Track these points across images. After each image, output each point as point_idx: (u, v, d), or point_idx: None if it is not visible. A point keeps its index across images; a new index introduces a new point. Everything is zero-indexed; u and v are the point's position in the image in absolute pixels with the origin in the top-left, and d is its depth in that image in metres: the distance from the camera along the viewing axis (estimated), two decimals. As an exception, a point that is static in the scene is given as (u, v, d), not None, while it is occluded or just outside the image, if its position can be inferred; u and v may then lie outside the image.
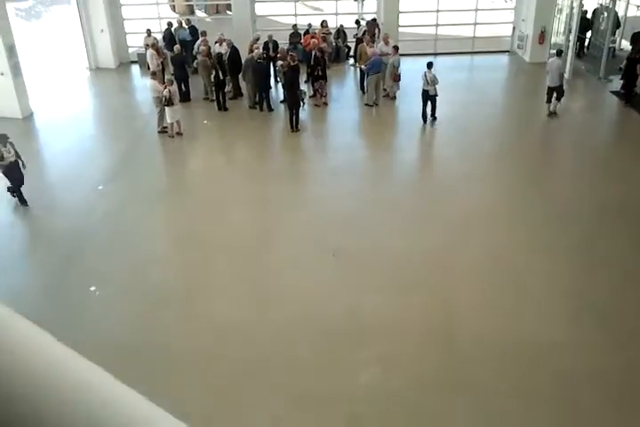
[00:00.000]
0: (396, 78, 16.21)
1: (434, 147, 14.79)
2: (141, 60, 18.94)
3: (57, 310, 8.47)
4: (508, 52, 20.89)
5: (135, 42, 19.72)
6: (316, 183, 12.60)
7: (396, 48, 16.11)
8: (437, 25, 20.45)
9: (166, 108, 14.13)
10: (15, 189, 11.35)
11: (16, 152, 11.19)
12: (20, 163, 11.24)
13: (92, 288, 9.03)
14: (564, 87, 15.18)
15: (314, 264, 9.47)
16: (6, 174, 11.27)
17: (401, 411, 6.76)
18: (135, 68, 19.85)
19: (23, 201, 11.37)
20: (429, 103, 14.96)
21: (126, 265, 9.63)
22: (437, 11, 20.28)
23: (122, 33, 20.08)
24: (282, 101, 16.25)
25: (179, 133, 14.55)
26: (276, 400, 6.90)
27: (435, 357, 7.53)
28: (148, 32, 18.14)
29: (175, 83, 14.32)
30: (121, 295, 8.93)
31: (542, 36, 19.32)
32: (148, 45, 17.35)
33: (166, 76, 14.37)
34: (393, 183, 12.49)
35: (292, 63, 14.54)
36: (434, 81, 14.52)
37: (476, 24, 20.70)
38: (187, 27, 19.10)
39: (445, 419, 6.67)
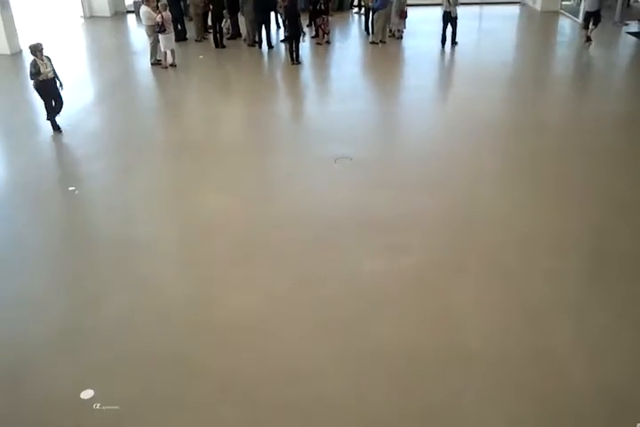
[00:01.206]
0: (403, 15, 15.42)
1: (445, 75, 13.90)
2: (137, 10, 18.17)
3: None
4: (518, 3, 20.11)
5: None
6: (318, 103, 11.94)
7: (402, -17, 15.35)
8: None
9: (160, 36, 13.35)
10: (49, 111, 9.99)
11: (53, 69, 9.90)
12: (58, 82, 9.93)
13: (71, 188, 8.29)
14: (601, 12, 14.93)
15: (316, 170, 8.65)
16: (41, 92, 9.89)
17: (412, 288, 6.01)
18: (131, 18, 19.11)
19: (56, 127, 10.11)
20: (450, 27, 14.45)
21: (112, 168, 8.87)
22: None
23: (117, -20, 19.36)
24: (282, 40, 15.53)
25: (172, 65, 13.78)
26: (277, 281, 6.15)
27: (450, 242, 6.74)
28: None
29: (168, 8, 13.51)
30: (103, 193, 8.19)
31: (555, -18, 18.55)
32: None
33: (160, 1, 13.54)
34: (399, 104, 11.76)
35: (289, -3, 13.73)
36: (456, 0, 13.98)
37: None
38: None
39: (458, 294, 5.88)
